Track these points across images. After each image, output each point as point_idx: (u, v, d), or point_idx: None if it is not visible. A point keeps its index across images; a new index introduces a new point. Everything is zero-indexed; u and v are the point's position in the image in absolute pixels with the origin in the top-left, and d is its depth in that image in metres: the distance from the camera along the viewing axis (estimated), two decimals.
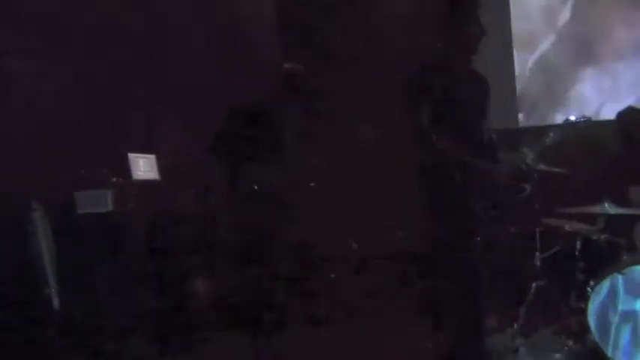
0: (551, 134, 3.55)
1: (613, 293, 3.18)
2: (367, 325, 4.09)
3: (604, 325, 3.21)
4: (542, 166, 3.86)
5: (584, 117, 3.31)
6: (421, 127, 3.07)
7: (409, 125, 3.08)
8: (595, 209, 3.53)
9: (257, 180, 3.97)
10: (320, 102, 4.13)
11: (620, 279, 3.16)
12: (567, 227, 3.70)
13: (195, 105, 4.28)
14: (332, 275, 5.39)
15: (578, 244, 3.56)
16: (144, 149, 4.07)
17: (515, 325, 3.78)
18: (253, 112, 4.07)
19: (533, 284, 3.77)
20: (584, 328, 3.29)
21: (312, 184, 4.03)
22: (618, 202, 3.62)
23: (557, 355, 3.48)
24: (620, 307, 3.17)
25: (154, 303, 3.95)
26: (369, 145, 3.75)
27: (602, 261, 3.43)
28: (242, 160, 4.04)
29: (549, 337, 3.69)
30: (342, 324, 4.20)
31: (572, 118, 3.50)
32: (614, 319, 3.18)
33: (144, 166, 3.87)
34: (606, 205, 3.48)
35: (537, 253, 3.81)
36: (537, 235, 3.83)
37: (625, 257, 3.32)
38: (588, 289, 3.27)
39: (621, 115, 4.44)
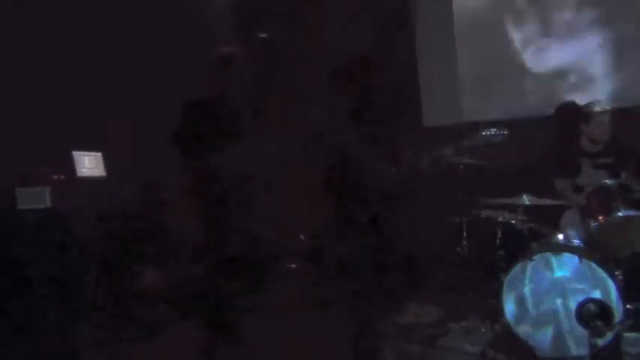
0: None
1: (523, 278, 3.39)
2: (312, 315, 4.27)
3: (517, 308, 3.41)
4: (468, 160, 4.08)
5: (500, 131, 3.49)
6: (339, 122, 3.23)
7: (326, 120, 3.24)
8: (515, 200, 3.73)
9: (215, 170, 4.04)
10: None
11: (528, 265, 3.37)
12: (499, 218, 3.90)
13: (144, 100, 4.40)
14: (292, 266, 5.58)
15: (500, 234, 3.75)
16: (91, 147, 4.22)
17: (446, 310, 3.99)
18: (208, 103, 4.14)
19: (461, 271, 3.99)
20: (501, 312, 3.49)
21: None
22: (544, 192, 3.84)
23: (483, 338, 3.69)
24: (531, 291, 3.38)
25: (102, 295, 4.09)
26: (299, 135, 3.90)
27: (522, 249, 3.63)
28: (200, 151, 4.11)
29: (476, 321, 3.90)
30: (292, 314, 4.39)
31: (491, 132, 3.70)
32: (526, 303, 3.38)
33: (89, 164, 4.03)
34: (524, 196, 3.68)
35: (464, 242, 4.03)
36: (464, 225, 4.04)
37: (533, 245, 3.52)
38: (502, 275, 3.47)
39: (561, 108, 4.65)
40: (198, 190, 4.21)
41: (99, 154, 4.15)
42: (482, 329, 3.77)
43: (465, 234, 4.04)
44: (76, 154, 3.98)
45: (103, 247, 4.12)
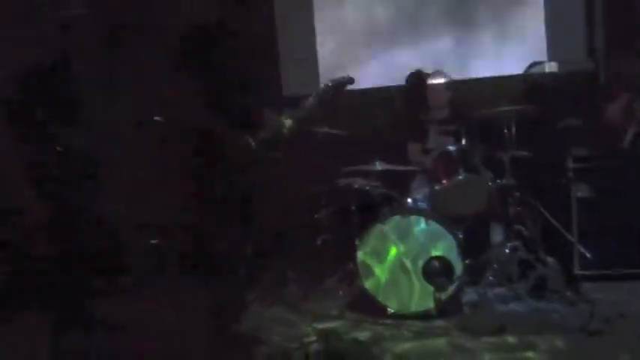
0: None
1: (375, 241, 3.57)
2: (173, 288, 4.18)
3: (370, 270, 3.59)
4: (325, 129, 4.16)
5: (347, 77, 3.53)
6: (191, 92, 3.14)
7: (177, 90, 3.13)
8: (369, 167, 3.87)
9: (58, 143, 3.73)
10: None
11: (380, 228, 3.55)
12: (354, 185, 4.01)
13: None
14: (153, 241, 5.37)
15: (355, 200, 3.89)
16: None
17: (306, 275, 4.10)
18: (46, 71, 3.80)
19: (320, 238, 4.10)
20: (357, 274, 3.65)
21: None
22: (396, 159, 4.02)
23: (339, 301, 3.84)
24: (382, 253, 3.57)
25: None
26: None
27: (375, 213, 3.80)
28: (40, 124, 3.77)
29: (334, 285, 4.05)
30: (151, 290, 4.25)
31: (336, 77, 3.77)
32: (378, 264, 3.57)
33: None
34: (377, 163, 3.83)
35: (323, 210, 4.13)
36: (323, 192, 4.14)
37: (385, 209, 3.70)
38: (357, 240, 3.62)
39: (410, 78, 4.86)
40: (38, 168, 3.88)
41: None
42: (340, 292, 3.95)
43: (323, 201, 4.15)
44: None
45: None
